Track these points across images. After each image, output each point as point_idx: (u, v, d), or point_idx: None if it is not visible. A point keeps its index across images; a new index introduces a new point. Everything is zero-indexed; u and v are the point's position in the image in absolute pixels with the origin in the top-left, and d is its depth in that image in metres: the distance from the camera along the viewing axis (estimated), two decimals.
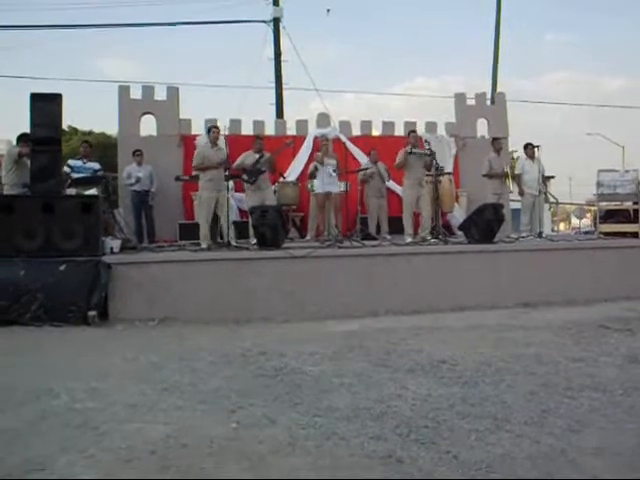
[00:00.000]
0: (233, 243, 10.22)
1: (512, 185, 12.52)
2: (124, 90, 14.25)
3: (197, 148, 11.78)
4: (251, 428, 4.02)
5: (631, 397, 4.67)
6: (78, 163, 11.67)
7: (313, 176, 12.43)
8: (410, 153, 11.17)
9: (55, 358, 6.10)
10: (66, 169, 11.31)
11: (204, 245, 10.29)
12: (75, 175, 11.12)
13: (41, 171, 8.61)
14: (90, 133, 29.57)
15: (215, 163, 10.45)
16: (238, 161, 11.19)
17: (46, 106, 8.62)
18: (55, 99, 8.75)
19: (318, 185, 11.99)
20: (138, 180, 12.87)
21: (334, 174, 11.69)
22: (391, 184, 13.35)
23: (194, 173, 11.22)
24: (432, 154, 11.38)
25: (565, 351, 6.21)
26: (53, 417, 4.24)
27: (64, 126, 18.48)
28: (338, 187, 11.85)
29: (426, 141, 11.91)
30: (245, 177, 11.18)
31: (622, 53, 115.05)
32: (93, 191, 10.11)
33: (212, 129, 11.00)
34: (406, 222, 11.47)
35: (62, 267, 7.94)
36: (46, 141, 8.61)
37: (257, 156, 11.27)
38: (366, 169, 12.85)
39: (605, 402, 4.54)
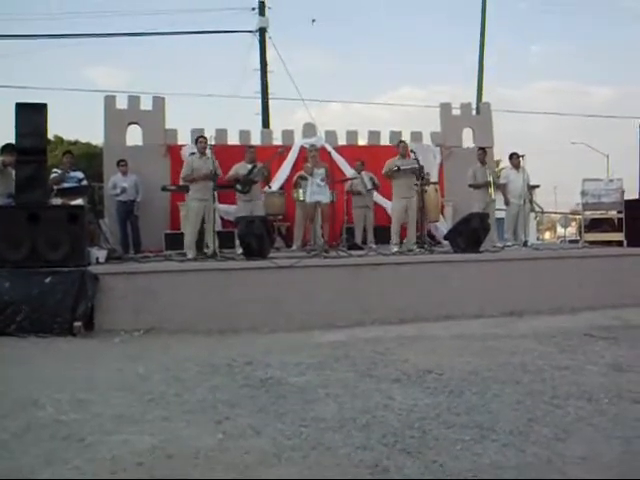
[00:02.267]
0: (218, 253, 10.19)
1: (495, 194, 12.54)
2: (110, 100, 14.25)
3: (186, 159, 11.76)
4: (237, 439, 4.01)
5: (616, 406, 4.69)
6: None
7: (298, 185, 12.44)
8: (398, 170, 11.20)
9: (40, 369, 6.07)
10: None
11: (190, 255, 10.28)
12: (59, 186, 11.07)
13: (26, 181, 8.56)
14: (76, 143, 29.52)
15: (203, 174, 10.45)
16: (231, 172, 11.26)
17: (31, 116, 8.58)
18: (40, 109, 8.71)
19: (307, 195, 12.00)
20: (123, 190, 12.86)
21: (322, 183, 11.71)
22: (376, 196, 13.39)
23: (182, 183, 11.21)
24: (420, 168, 11.39)
25: (551, 360, 6.23)
26: (38, 429, 4.22)
27: (50, 136, 18.41)
28: (327, 197, 11.87)
29: (412, 151, 11.90)
30: (239, 187, 11.21)
31: (610, 63, 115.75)
32: (79, 201, 10.08)
33: (199, 139, 11.01)
34: (394, 232, 11.49)
35: (47, 279, 7.91)
36: (31, 151, 8.57)
37: (249, 166, 11.30)
38: (352, 179, 12.89)
39: (591, 411, 4.56)
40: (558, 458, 3.65)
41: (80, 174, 11.79)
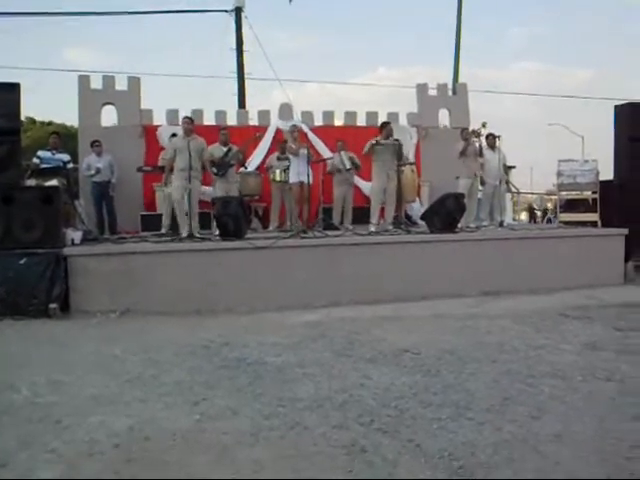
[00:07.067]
0: (196, 234, 10.11)
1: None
2: (84, 80, 14.09)
3: (167, 141, 11.64)
4: (214, 419, 4.02)
5: (589, 383, 4.75)
6: (47, 154, 11.62)
7: (272, 166, 12.46)
8: (377, 144, 11.16)
9: (16, 351, 6.03)
10: (35, 160, 11.32)
11: (185, 234, 10.04)
12: (43, 166, 11.07)
13: (0, 162, 8.48)
14: (50, 124, 29.25)
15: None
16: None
17: (4, 95, 8.48)
18: (13, 88, 8.61)
19: (293, 175, 11.96)
20: (98, 171, 12.74)
21: (306, 164, 11.68)
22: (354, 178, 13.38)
23: (161, 164, 11.10)
24: (400, 145, 11.36)
25: (526, 339, 6.29)
26: (14, 411, 4.20)
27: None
28: (310, 177, 11.86)
29: None
30: (215, 170, 11.19)
31: (588, 45, 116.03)
32: (54, 182, 9.99)
33: (184, 119, 10.77)
34: (373, 211, 11.47)
35: (22, 260, 7.85)
36: (5, 131, 8.48)
37: (224, 149, 11.25)
38: (329, 159, 12.86)
39: (565, 389, 4.62)
40: (533, 436, 3.70)
41: (66, 157, 11.80)
